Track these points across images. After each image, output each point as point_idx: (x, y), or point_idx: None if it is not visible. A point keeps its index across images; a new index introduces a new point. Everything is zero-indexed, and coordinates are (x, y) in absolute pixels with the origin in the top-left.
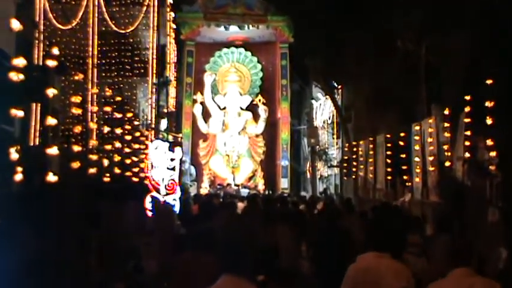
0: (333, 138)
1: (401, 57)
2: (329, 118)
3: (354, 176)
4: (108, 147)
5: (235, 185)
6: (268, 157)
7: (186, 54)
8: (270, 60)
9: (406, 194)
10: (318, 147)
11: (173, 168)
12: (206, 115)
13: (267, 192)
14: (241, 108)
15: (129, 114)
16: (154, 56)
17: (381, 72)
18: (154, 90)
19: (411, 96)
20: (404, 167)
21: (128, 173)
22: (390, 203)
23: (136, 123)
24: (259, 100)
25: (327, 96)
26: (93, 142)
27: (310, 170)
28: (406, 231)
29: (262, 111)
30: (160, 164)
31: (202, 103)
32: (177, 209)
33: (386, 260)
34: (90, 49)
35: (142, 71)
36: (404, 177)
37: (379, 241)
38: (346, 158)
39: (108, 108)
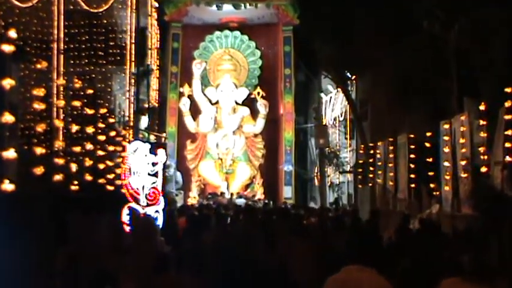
0: (346, 139)
1: (428, 41)
2: (341, 115)
3: (370, 184)
4: (78, 149)
5: (230, 194)
6: (269, 161)
7: (171, 39)
8: (270, 45)
9: (433, 206)
10: (327, 149)
11: (155, 175)
12: (195, 111)
13: (267, 203)
14: (237, 103)
15: (103, 110)
16: (133, 41)
17: (403, 60)
18: (132, 81)
19: (439, 88)
20: (431, 173)
21: (102, 180)
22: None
23: (111, 120)
24: (258, 93)
25: (339, 89)
26: (59, 143)
27: (319, 176)
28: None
29: (262, 106)
30: (140, 169)
31: (190, 97)
32: (160, 222)
33: (370, 275)
34: (56, 32)
35: (118, 58)
36: (431, 185)
37: (363, 254)
38: (361, 162)
39: (77, 103)
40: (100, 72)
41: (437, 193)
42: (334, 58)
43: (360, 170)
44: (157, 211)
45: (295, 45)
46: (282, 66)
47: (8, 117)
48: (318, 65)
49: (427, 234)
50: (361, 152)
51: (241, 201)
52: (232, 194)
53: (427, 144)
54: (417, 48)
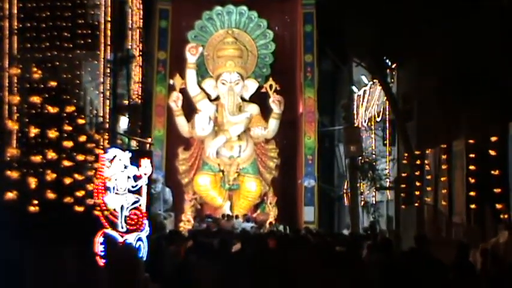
0: (385, 145)
1: (493, 18)
2: (378, 114)
3: (417, 204)
4: (37, 158)
5: (234, 216)
6: (284, 174)
7: (158, 16)
8: (286, 24)
9: (500, 233)
10: (360, 158)
11: (138, 192)
12: (189, 109)
13: (282, 229)
14: (243, 99)
15: (70, 108)
16: (108, 18)
17: (459, 41)
18: (108, 71)
19: (508, 79)
20: (497, 190)
21: (68, 199)
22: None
23: (80, 121)
24: (271, 86)
25: (375, 81)
26: (12, 151)
27: (349, 194)
28: None
29: (275, 103)
30: (118, 184)
31: (182, 91)
32: (144, 254)
33: None
34: (6, 6)
35: (89, 41)
36: (497, 205)
37: None
38: (404, 175)
39: (36, 99)
40: (66, 59)
41: (506, 216)
42: (370, 40)
43: (403, 185)
44: (140, 239)
45: (319, 24)
46: (301, 52)
47: None
48: (348, 49)
49: (492, 270)
50: (404, 162)
51: (249, 226)
52: (237, 217)
53: (492, 152)
54: (479, 26)
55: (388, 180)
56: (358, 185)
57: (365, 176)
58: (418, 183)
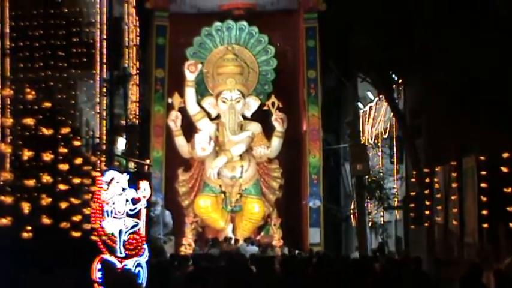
0: (392, 163)
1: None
2: (385, 131)
3: (426, 224)
4: (31, 182)
5: (234, 240)
6: (288, 195)
7: (155, 33)
8: (289, 40)
9: None
10: (367, 177)
11: (137, 215)
12: (189, 129)
13: (286, 252)
14: (245, 118)
15: (65, 130)
16: (104, 36)
17: (469, 54)
18: (104, 90)
19: None
20: (510, 208)
21: (64, 224)
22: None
23: (76, 143)
24: (273, 104)
25: (382, 96)
26: (5, 175)
27: (356, 214)
28: None
29: (278, 121)
30: (116, 208)
31: (181, 110)
32: (143, 280)
33: None
34: None
35: (84, 60)
36: (511, 224)
37: None
38: (413, 194)
39: (30, 121)
40: (60, 79)
41: None
42: (375, 54)
43: (412, 205)
44: (139, 264)
45: (322, 38)
46: (304, 68)
47: None
48: (353, 64)
49: None
50: (413, 180)
51: (253, 250)
52: (237, 241)
53: (504, 169)
54: (490, 38)
55: (396, 199)
56: (365, 204)
57: (372, 196)
58: (427, 202)
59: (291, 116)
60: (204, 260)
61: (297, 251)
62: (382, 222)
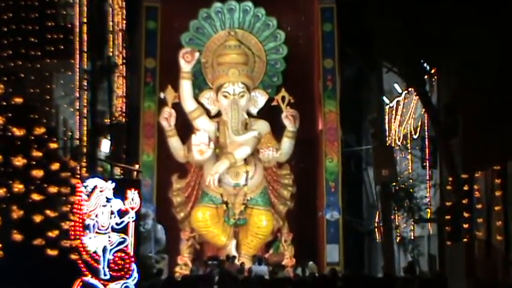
0: (424, 168)
1: None
2: (415, 130)
3: (465, 239)
4: (0, 192)
5: (242, 263)
6: (302, 205)
7: (144, 16)
8: (301, 23)
9: None
10: (394, 184)
11: (124, 230)
12: (184, 128)
13: (299, 273)
14: (250, 115)
15: (39, 130)
16: (85, 20)
17: None
18: (85, 83)
19: None
20: None
21: (38, 241)
22: None
23: (52, 146)
24: (283, 99)
25: (411, 89)
26: None
27: (382, 228)
28: None
29: (289, 119)
30: (99, 222)
31: (176, 106)
32: None
33: None
34: None
35: (61, 47)
36: None
37: None
38: (449, 204)
39: None
40: (33, 70)
41: None
42: (403, 39)
43: (448, 217)
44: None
45: (340, 21)
46: (319, 56)
47: None
48: (378, 51)
49: None
50: (448, 188)
51: (261, 271)
52: (242, 264)
53: None
54: None
55: (429, 210)
56: (392, 217)
57: (400, 206)
58: (466, 214)
59: (304, 112)
60: (203, 283)
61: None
62: (412, 238)
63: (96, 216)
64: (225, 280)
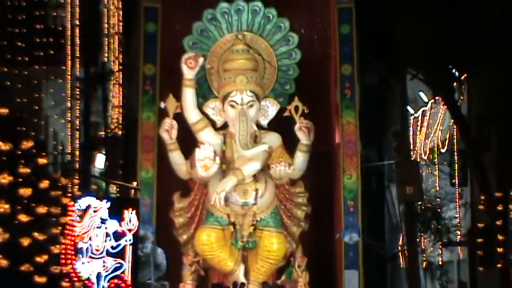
0: (453, 185)
1: None
2: (443, 143)
3: (500, 265)
4: None
5: (240, 285)
6: (317, 226)
7: (143, 17)
8: (315, 26)
9: None
10: (420, 204)
11: (120, 254)
12: (187, 142)
13: None
14: (260, 127)
15: (27, 144)
16: (77, 22)
17: None
18: (78, 92)
19: None
20: None
21: (26, 267)
22: None
23: (41, 161)
24: (296, 109)
25: (438, 98)
26: None
27: (406, 252)
28: None
29: (303, 131)
30: (93, 245)
31: (178, 117)
32: None
33: None
34: None
35: (51, 53)
36: None
37: None
38: (481, 225)
39: None
40: (20, 78)
41: None
42: (430, 43)
43: (480, 240)
44: None
45: (360, 23)
46: (337, 61)
47: None
48: (401, 56)
49: None
50: (481, 208)
51: None
52: (243, 285)
53: None
54: None
55: (458, 232)
56: (418, 239)
57: (427, 228)
58: (500, 237)
59: (319, 124)
60: None
61: None
62: (440, 263)
63: (89, 239)
64: None
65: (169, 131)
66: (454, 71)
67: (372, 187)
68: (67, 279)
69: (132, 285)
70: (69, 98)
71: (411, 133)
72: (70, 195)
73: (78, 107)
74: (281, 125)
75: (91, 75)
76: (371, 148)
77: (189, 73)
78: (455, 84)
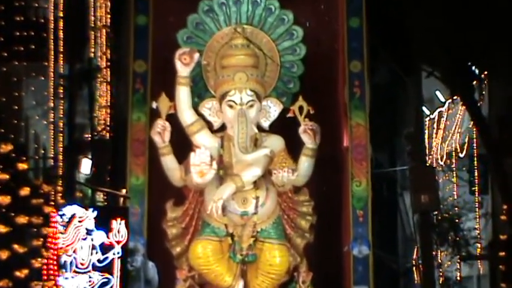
0: (472, 194)
1: None
2: (461, 148)
3: None
4: None
5: None
6: (323, 238)
7: (133, 9)
8: (323, 18)
9: None
10: (437, 213)
11: (107, 268)
12: (181, 145)
13: None
14: (261, 129)
15: (5, 148)
16: (61, 14)
17: None
18: (61, 91)
19: None
20: None
21: (4, 282)
22: None
23: (21, 166)
24: (301, 109)
25: (456, 98)
26: None
27: (421, 266)
28: None
29: (308, 133)
30: (78, 258)
31: (171, 118)
32: None
33: None
34: None
35: (32, 47)
36: None
37: None
38: (503, 238)
39: None
40: None
41: None
42: (447, 37)
43: (503, 253)
44: None
45: (370, 16)
46: (344, 57)
47: None
48: (416, 52)
49: None
50: (502, 218)
51: None
52: None
53: None
54: None
55: (478, 245)
56: (433, 253)
57: (444, 240)
58: None
59: (326, 126)
60: None
61: None
62: (458, 278)
63: (74, 251)
64: None
65: (161, 133)
66: (473, 68)
67: (383, 195)
68: None
69: None
70: (52, 97)
71: (426, 136)
72: (53, 203)
73: (61, 107)
74: (284, 127)
75: (76, 72)
76: (382, 152)
77: (183, 70)
78: (475, 82)
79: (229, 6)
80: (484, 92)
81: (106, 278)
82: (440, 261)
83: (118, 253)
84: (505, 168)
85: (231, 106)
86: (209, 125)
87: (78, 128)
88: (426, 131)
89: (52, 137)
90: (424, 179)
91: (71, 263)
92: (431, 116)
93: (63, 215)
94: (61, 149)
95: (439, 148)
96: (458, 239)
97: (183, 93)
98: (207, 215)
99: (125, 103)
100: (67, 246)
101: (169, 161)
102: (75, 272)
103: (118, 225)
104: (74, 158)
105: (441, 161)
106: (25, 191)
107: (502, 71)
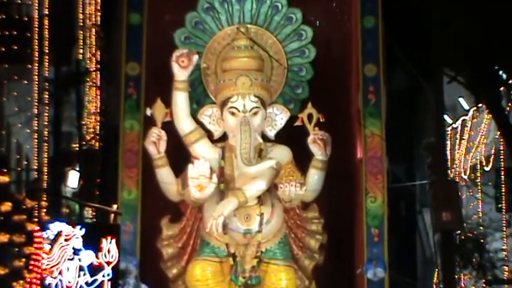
0: (499, 211)
1: None
2: (487, 160)
3: None
4: None
5: None
6: (334, 259)
7: (126, 7)
8: (333, 18)
9: None
10: (460, 233)
11: None
12: (178, 157)
13: None
14: (266, 139)
15: None
16: (46, 11)
17: None
18: (47, 96)
19: None
20: None
21: None
22: None
23: (2, 179)
24: (310, 117)
25: (482, 105)
26: None
27: None
28: None
29: (318, 144)
30: (64, 280)
31: (167, 127)
32: None
33: None
34: None
35: (15, 48)
36: None
37: None
38: None
39: None
40: None
41: None
42: (471, 39)
43: None
44: None
45: (387, 15)
46: (358, 61)
47: None
48: (437, 55)
49: None
50: None
51: None
52: None
53: None
54: None
55: (505, 268)
56: (456, 276)
57: (468, 262)
58: None
59: (337, 136)
60: None
61: None
62: None
63: (59, 273)
64: None
65: (156, 143)
66: (500, 72)
67: (401, 212)
68: None
69: None
70: (36, 103)
71: (448, 147)
72: (36, 220)
73: (46, 114)
74: (291, 136)
75: (63, 76)
76: (400, 165)
77: (180, 74)
78: (502, 88)
79: (231, 3)
80: (511, 99)
81: None
82: (463, 285)
83: (108, 275)
84: None
85: (233, 113)
86: (209, 134)
87: (65, 136)
88: (448, 142)
89: (36, 146)
90: (445, 195)
91: (56, 285)
92: (454, 125)
93: (48, 232)
94: (46, 160)
95: (462, 160)
96: (483, 261)
97: (181, 99)
98: (206, 233)
99: (116, 109)
100: (52, 267)
101: (165, 174)
102: None
103: (108, 245)
104: (60, 170)
105: (465, 174)
106: (6, 207)
107: None
